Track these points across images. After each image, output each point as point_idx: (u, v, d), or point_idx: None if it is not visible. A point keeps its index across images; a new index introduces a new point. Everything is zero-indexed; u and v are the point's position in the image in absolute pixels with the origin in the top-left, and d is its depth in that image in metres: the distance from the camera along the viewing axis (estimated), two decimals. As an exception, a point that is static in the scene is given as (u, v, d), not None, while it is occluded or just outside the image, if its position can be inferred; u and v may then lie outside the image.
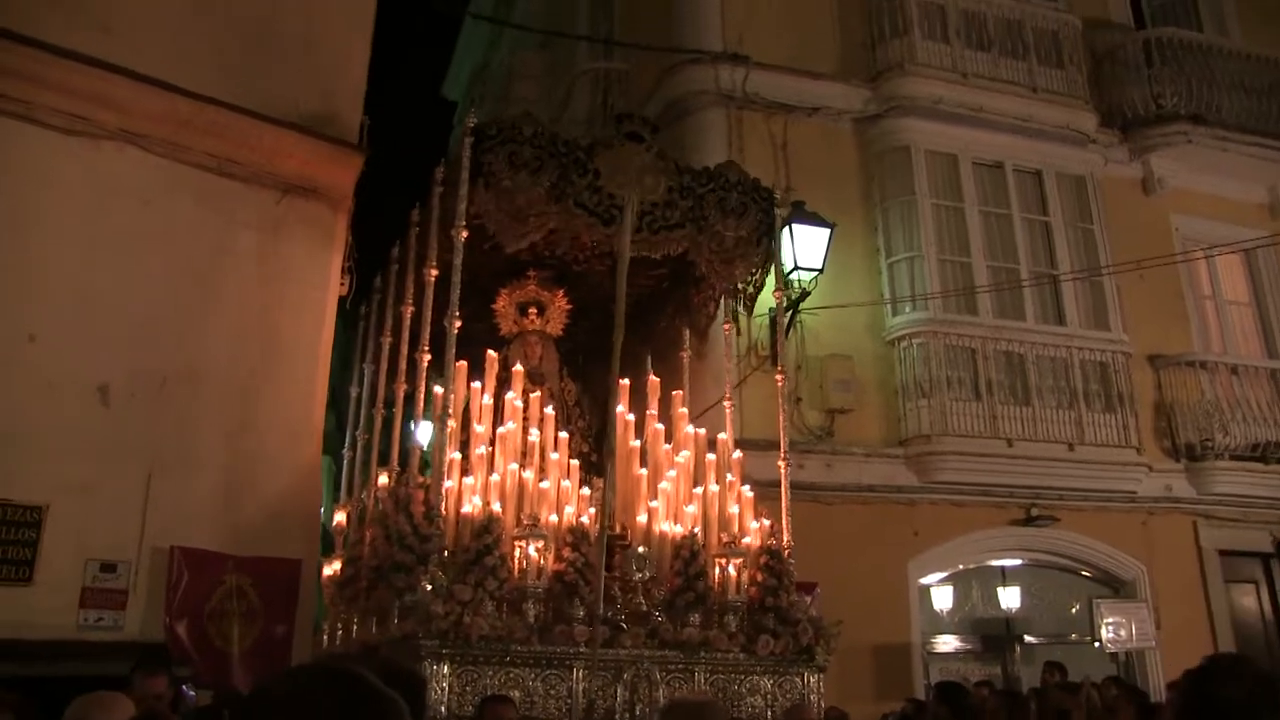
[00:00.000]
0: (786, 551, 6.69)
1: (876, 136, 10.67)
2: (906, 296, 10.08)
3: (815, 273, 9.42)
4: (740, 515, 6.82)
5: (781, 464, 7.09)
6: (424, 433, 8.26)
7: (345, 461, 8.15)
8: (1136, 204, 11.64)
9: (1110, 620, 9.63)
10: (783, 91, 10.38)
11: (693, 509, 6.73)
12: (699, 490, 6.88)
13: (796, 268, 9.26)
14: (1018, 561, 10.49)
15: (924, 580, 9.92)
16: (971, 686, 8.27)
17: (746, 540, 6.64)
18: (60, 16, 6.81)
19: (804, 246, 9.30)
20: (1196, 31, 12.65)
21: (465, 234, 6.23)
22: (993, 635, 10.40)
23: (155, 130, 7.11)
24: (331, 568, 7.50)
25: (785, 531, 6.81)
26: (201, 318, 7.14)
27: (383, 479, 6.97)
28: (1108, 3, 12.58)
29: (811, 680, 6.43)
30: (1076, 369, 10.33)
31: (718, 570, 6.38)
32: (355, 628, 6.65)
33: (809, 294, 9.49)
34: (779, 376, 7.56)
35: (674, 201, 6.83)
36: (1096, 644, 9.79)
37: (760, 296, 7.96)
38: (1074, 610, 10.67)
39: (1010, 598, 10.44)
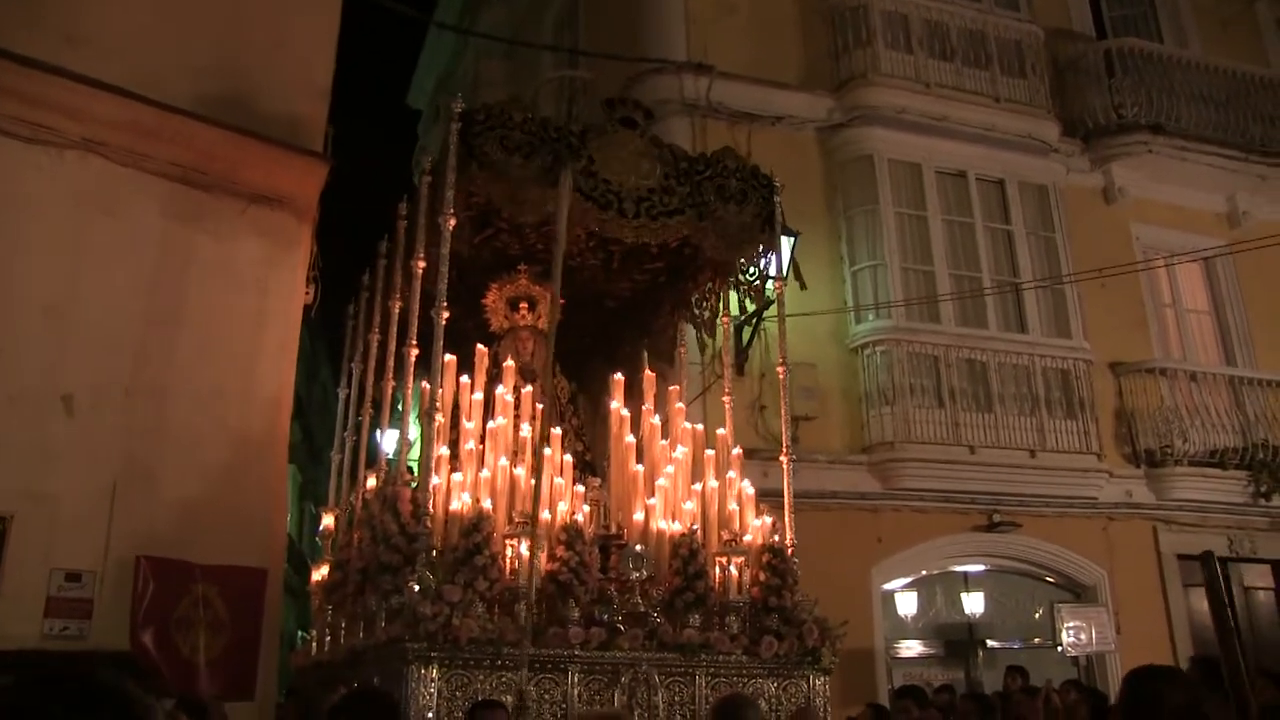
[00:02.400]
0: (790, 550, 6.48)
1: (840, 145, 10.76)
2: (870, 305, 10.16)
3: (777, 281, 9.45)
4: (741, 512, 6.58)
5: (784, 459, 6.91)
6: (390, 441, 8.25)
7: (333, 464, 8.05)
8: (1098, 213, 11.78)
9: (1071, 624, 9.72)
10: (747, 100, 10.45)
11: (691, 506, 6.50)
12: (697, 487, 6.66)
13: (761, 276, 9.30)
14: (980, 567, 10.58)
15: (887, 586, 10.00)
16: (932, 692, 8.33)
17: (747, 538, 6.41)
18: (22, 25, 6.77)
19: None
20: (1157, 42, 12.82)
21: (453, 223, 6.09)
22: (955, 640, 10.49)
23: (119, 139, 7.04)
24: (319, 573, 7.39)
25: (788, 529, 6.61)
26: (166, 328, 7.08)
27: (371, 481, 6.83)
28: (1070, 13, 12.72)
29: (817, 683, 6.20)
30: (1038, 376, 10.44)
31: (718, 569, 6.16)
32: (343, 634, 6.51)
33: (772, 302, 9.53)
34: (780, 369, 7.37)
35: (671, 188, 6.70)
36: (1058, 648, 9.89)
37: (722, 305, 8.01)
38: (1036, 615, 10.78)
39: (973, 603, 10.54)
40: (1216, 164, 11.97)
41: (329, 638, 6.92)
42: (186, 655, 6.69)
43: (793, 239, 9.54)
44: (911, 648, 10.34)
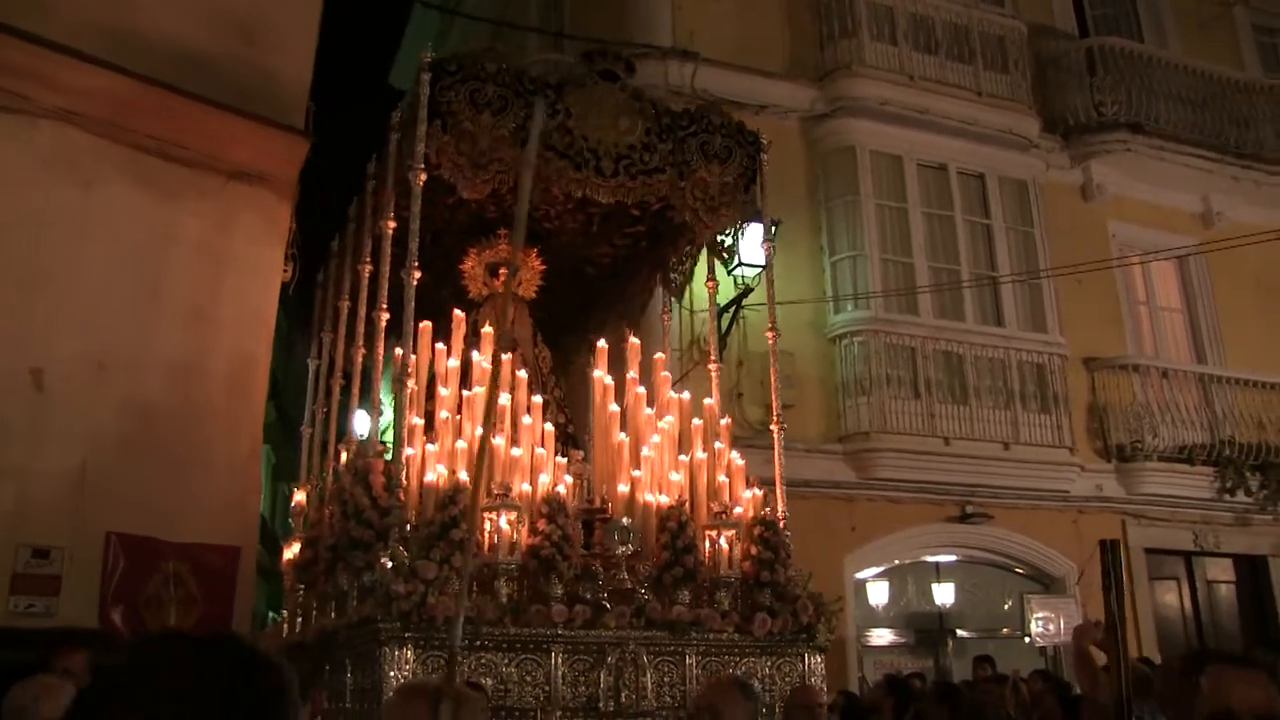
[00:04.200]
0: (782, 522, 6.15)
1: (823, 136, 10.80)
2: (849, 295, 10.22)
3: (758, 269, 9.50)
4: (731, 484, 6.20)
5: (775, 428, 6.66)
6: (361, 422, 8.16)
7: (304, 439, 7.80)
8: (1076, 209, 11.89)
9: (1040, 615, 9.86)
10: (731, 88, 10.45)
11: (678, 478, 6.12)
12: (685, 458, 6.29)
13: (740, 264, 9.34)
14: (952, 558, 10.69)
15: (860, 575, 10.08)
16: (902, 679, 8.41)
17: (738, 511, 6.04)
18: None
19: (749, 243, 9.36)
20: (1138, 42, 12.92)
21: (423, 178, 5.74)
22: (926, 629, 10.60)
23: (96, 111, 6.96)
24: (291, 551, 7.13)
25: (780, 501, 6.30)
26: (141, 303, 7.02)
27: (344, 455, 6.46)
28: (1053, 10, 12.81)
29: (812, 661, 5.86)
30: (1014, 370, 10.54)
31: (707, 544, 5.81)
32: (314, 613, 6.23)
33: (752, 290, 9.58)
34: (769, 334, 7.07)
35: (652, 145, 6.33)
36: (1027, 639, 10.02)
37: (701, 292, 7.98)
38: (1006, 606, 10.90)
39: (944, 593, 10.65)
40: (1193, 164, 12.11)
41: (300, 618, 6.66)
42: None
43: (773, 227, 9.61)
44: (883, 636, 10.45)
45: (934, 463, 9.97)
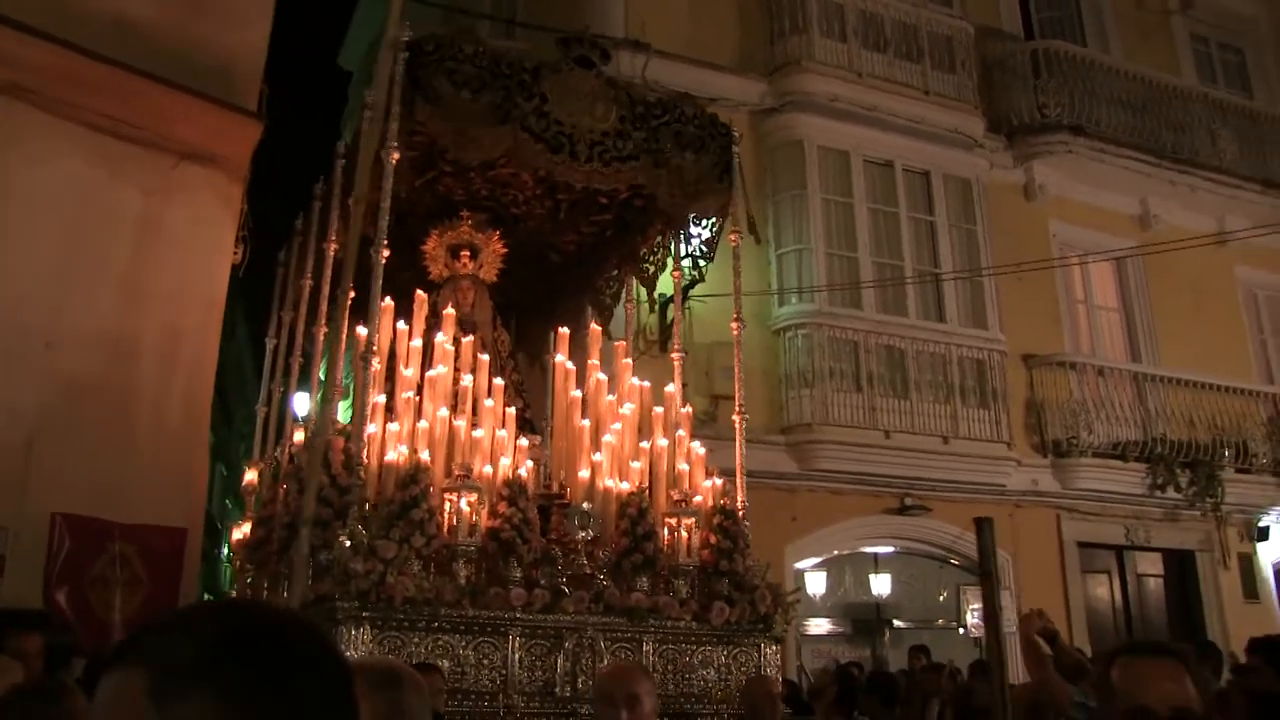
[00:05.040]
0: (741, 512, 6.16)
1: (771, 130, 10.88)
2: (794, 288, 10.32)
3: (707, 261, 9.55)
4: (691, 473, 6.21)
5: (736, 418, 6.68)
6: (301, 404, 8.09)
7: (259, 417, 7.73)
8: (1018, 208, 12.10)
9: (975, 606, 10.03)
10: (682, 81, 10.41)
11: (639, 464, 6.11)
12: (645, 445, 6.30)
13: (690, 255, 9.39)
14: (890, 549, 10.85)
15: (800, 565, 10.20)
16: (836, 668, 8.55)
17: (697, 499, 6.06)
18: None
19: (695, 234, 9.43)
20: (1081, 46, 13.16)
21: (396, 156, 5.70)
22: (863, 619, 10.76)
23: (46, 86, 6.85)
24: (240, 531, 7.09)
25: (740, 490, 6.31)
26: (89, 282, 6.93)
27: (299, 435, 6.51)
28: (1000, 12, 13.01)
29: (769, 651, 5.88)
30: (954, 365, 10.71)
31: (667, 531, 5.81)
32: (265, 593, 6.17)
33: (699, 281, 9.62)
34: (734, 325, 7.07)
35: (627, 132, 6.35)
36: (961, 630, 10.19)
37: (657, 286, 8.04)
38: (941, 597, 11.09)
39: (881, 584, 10.82)
40: (1131, 167, 12.38)
41: (250, 597, 6.51)
42: (101, 614, 6.58)
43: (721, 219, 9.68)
44: (820, 625, 10.58)
45: (874, 455, 10.11)
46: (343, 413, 6.40)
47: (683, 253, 8.69)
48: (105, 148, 7.15)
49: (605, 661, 5.33)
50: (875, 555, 10.86)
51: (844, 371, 10.16)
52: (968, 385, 10.72)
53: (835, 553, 10.53)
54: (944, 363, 10.66)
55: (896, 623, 10.88)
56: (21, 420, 6.48)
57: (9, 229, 6.65)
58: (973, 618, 9.93)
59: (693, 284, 9.56)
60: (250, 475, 7.29)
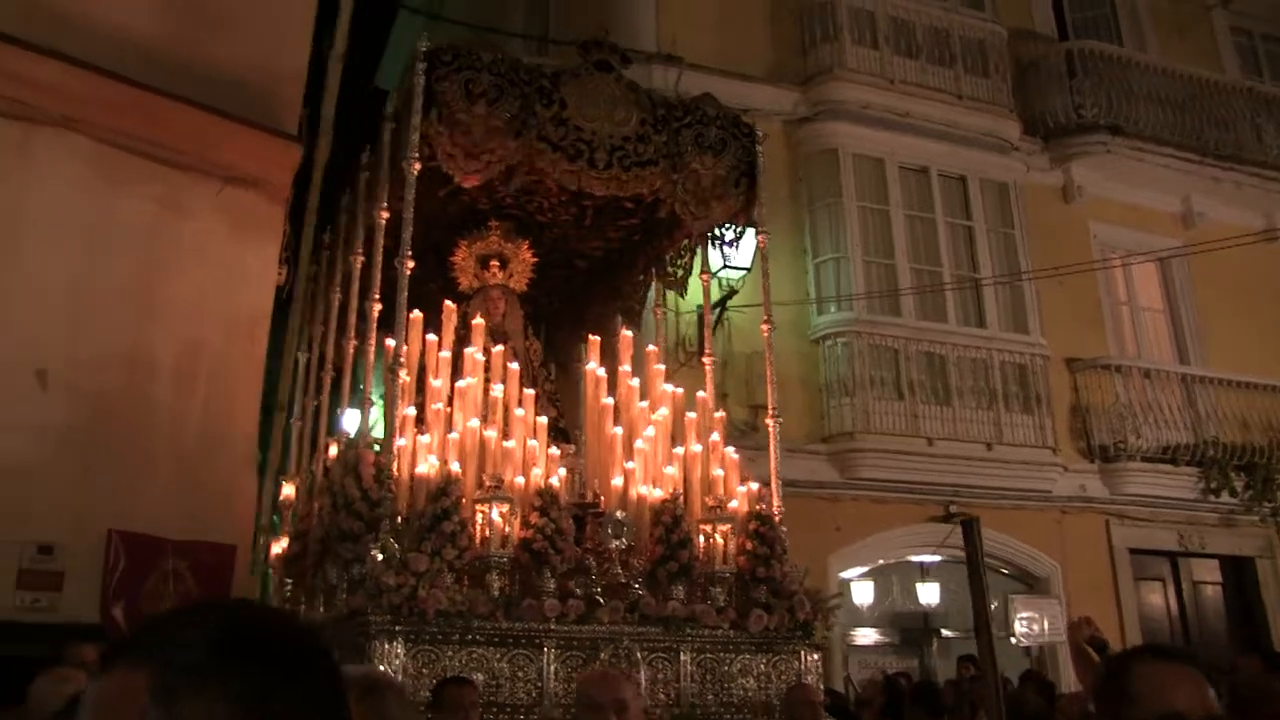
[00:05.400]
0: (778, 517, 6.07)
1: (805, 139, 10.85)
2: (832, 297, 10.26)
3: (743, 272, 9.54)
4: (725, 478, 6.14)
5: (770, 422, 6.61)
6: (351, 421, 8.17)
7: (294, 431, 7.80)
8: (1056, 210, 11.96)
9: (1023, 615, 9.87)
10: (714, 92, 10.37)
11: (673, 471, 6.04)
12: (679, 451, 6.23)
13: (725, 266, 9.37)
14: (937, 558, 10.70)
15: (845, 574, 10.10)
16: (885, 679, 8.46)
17: (733, 505, 5.98)
18: (5, 4, 6.76)
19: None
20: (1117, 45, 13.01)
21: (418, 167, 5.71)
22: (911, 629, 10.62)
23: (96, 116, 7.05)
24: (279, 545, 7.16)
25: (775, 495, 6.21)
26: (140, 306, 7.11)
27: (333, 449, 6.52)
28: (1033, 14, 12.90)
29: (809, 659, 5.80)
30: (996, 370, 10.58)
31: (702, 538, 5.75)
32: (303, 608, 6.21)
33: (736, 292, 9.61)
34: (764, 327, 6.98)
35: (647, 136, 6.31)
36: (1010, 638, 10.03)
37: (687, 293, 8.02)
38: (993, 606, 10.91)
39: (929, 593, 10.68)
40: (1172, 165, 12.18)
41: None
42: None
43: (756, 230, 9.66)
44: (868, 636, 10.47)
45: (917, 463, 10.00)
46: (377, 426, 6.46)
47: (715, 260, 8.73)
48: (153, 175, 7.33)
49: (642, 672, 5.27)
50: (922, 564, 10.72)
51: (884, 379, 10.08)
52: (1010, 390, 10.59)
53: (880, 562, 10.42)
54: (985, 368, 10.54)
55: (945, 632, 10.74)
56: (79, 440, 6.67)
57: (62, 255, 6.87)
58: (1020, 626, 9.77)
59: (730, 295, 9.59)
60: (287, 490, 7.38)
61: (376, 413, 6.76)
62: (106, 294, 6.99)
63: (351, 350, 6.65)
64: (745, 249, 9.57)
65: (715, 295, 9.34)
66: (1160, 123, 12.24)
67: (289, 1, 8.43)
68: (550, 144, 6.06)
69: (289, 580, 6.63)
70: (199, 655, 1.01)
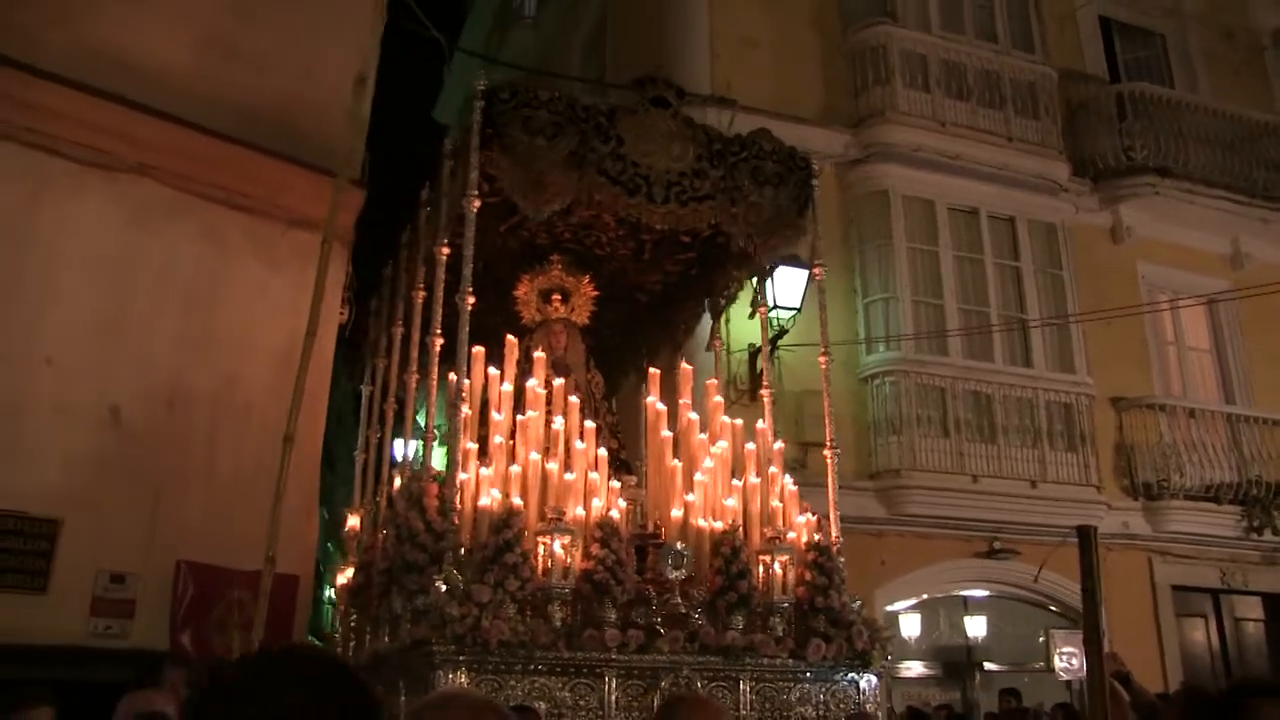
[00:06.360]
0: (836, 548, 6.10)
1: (856, 181, 11.13)
2: (881, 336, 10.52)
3: (794, 311, 9.84)
4: (784, 509, 6.19)
5: (828, 453, 6.64)
6: (405, 453, 8.47)
7: (357, 463, 8.05)
8: (1104, 251, 12.14)
9: (1064, 650, 10.07)
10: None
11: (732, 503, 6.06)
12: (738, 483, 6.22)
13: (776, 306, 9.68)
14: (982, 593, 10.93)
15: (890, 607, 10.34)
16: (931, 710, 8.71)
17: (791, 536, 6.00)
18: (80, 55, 7.21)
19: (784, 286, 9.71)
20: (1168, 87, 13.18)
21: (478, 204, 5.80)
22: (954, 662, 10.84)
23: (169, 163, 7.50)
24: (345, 575, 7.36)
25: (834, 526, 6.26)
26: (208, 344, 7.52)
27: (397, 480, 6.66)
28: (1084, 56, 13.08)
29: (867, 688, 5.83)
30: (1041, 409, 10.79)
31: (761, 569, 5.78)
32: (368, 637, 6.34)
33: (786, 331, 9.91)
34: (822, 359, 7.06)
35: (704, 171, 6.33)
36: (1052, 672, 10.23)
37: (737, 332, 8.26)
38: (1038, 640, 11.11)
39: (975, 626, 10.89)
40: (1222, 207, 12.33)
41: (353, 642, 6.80)
42: (220, 654, 7.07)
43: (807, 271, 9.96)
44: (912, 668, 10.70)
45: (962, 499, 10.23)
46: (439, 459, 6.69)
47: (769, 299, 8.90)
48: (220, 218, 7.78)
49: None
50: (966, 598, 10.95)
51: (931, 418, 10.33)
52: (1055, 429, 10.79)
53: (925, 596, 10.66)
54: (1031, 407, 10.75)
55: (988, 665, 10.94)
56: (148, 473, 7.05)
57: (134, 296, 7.29)
58: (1060, 661, 9.96)
59: (781, 334, 9.88)
60: (352, 521, 7.60)
61: (436, 445, 6.99)
62: (175, 332, 7.40)
63: (414, 384, 6.76)
64: (796, 289, 9.89)
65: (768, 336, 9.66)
66: (1210, 164, 12.38)
67: (354, 48, 8.81)
68: (609, 178, 6.11)
69: (353, 610, 6.83)
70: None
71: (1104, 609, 8.88)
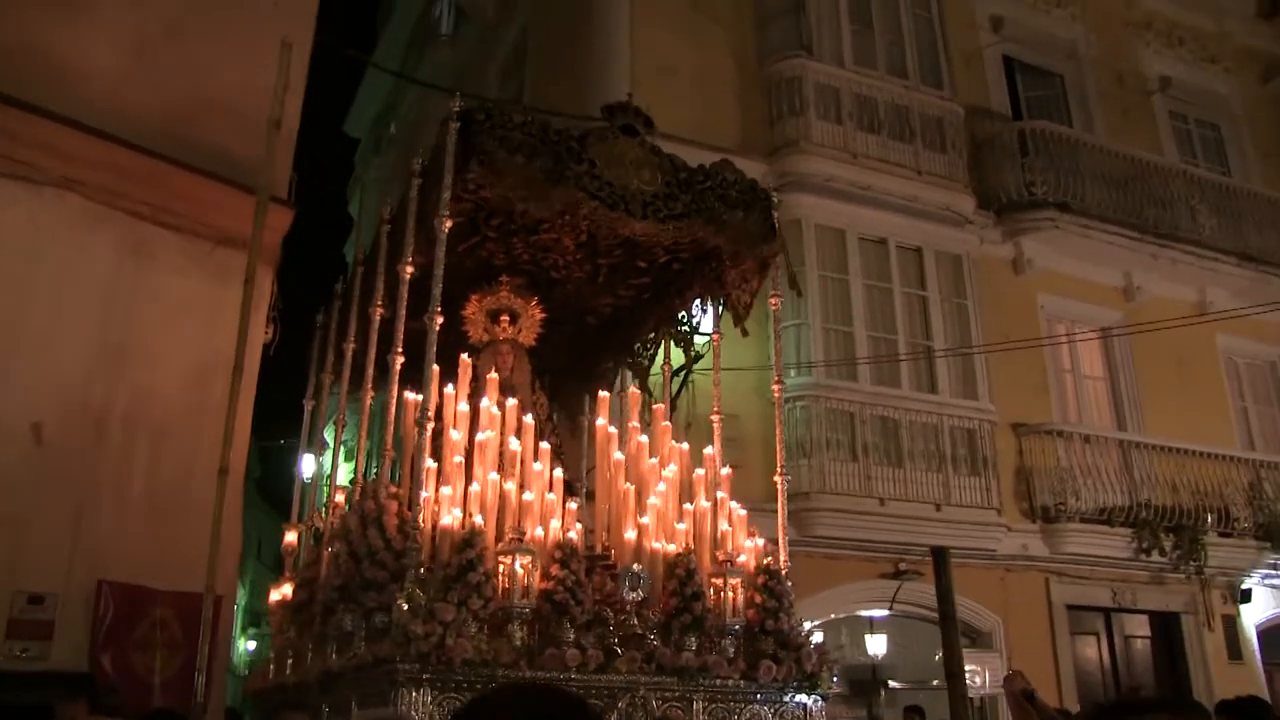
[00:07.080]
0: (784, 571, 6.27)
1: (771, 209, 11.36)
2: (791, 363, 10.75)
3: (707, 336, 9.98)
4: (733, 533, 6.35)
5: (778, 479, 6.83)
6: (307, 467, 8.42)
7: (297, 479, 7.98)
8: (1007, 281, 12.62)
9: (968, 668, 10.36)
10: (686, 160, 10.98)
11: (684, 526, 6.18)
12: (689, 507, 6.36)
13: (696, 330, 9.81)
14: (885, 612, 11.21)
15: (798, 628, 10.54)
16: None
17: (741, 559, 6.14)
18: (10, 67, 7.09)
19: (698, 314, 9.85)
20: (1066, 125, 13.75)
21: (449, 224, 5.82)
22: (859, 680, 11.10)
23: (96, 178, 7.40)
24: (280, 592, 7.26)
25: (782, 550, 6.44)
26: (132, 362, 7.41)
27: (339, 497, 6.72)
28: (989, 94, 13.60)
29: (815, 708, 5.94)
30: (946, 435, 11.14)
31: (712, 591, 5.89)
32: (310, 655, 6.24)
33: (702, 356, 10.05)
34: (775, 387, 7.38)
35: (674, 194, 6.47)
36: (954, 690, 10.52)
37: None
38: (936, 658, 11.41)
39: (877, 645, 11.17)
40: (1116, 241, 12.89)
41: (291, 659, 6.66)
42: (143, 676, 6.96)
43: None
44: (818, 687, 10.92)
45: (870, 522, 10.51)
46: (344, 474, 6.60)
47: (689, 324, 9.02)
48: (146, 235, 7.68)
49: None
50: (870, 618, 11.22)
51: (840, 442, 10.59)
52: (959, 454, 11.15)
53: (832, 616, 10.89)
54: (936, 432, 11.09)
55: (892, 683, 11.22)
56: (70, 492, 6.92)
57: (58, 312, 7.17)
58: (965, 679, 10.26)
59: (697, 359, 10.02)
60: (289, 537, 7.52)
61: (341, 460, 6.86)
62: (98, 349, 7.30)
63: (368, 401, 6.70)
64: (708, 316, 10.04)
65: (682, 362, 9.81)
66: (1105, 201, 12.95)
67: (281, 66, 8.77)
68: (588, 193, 6.23)
69: (292, 627, 6.71)
70: None
71: (1004, 628, 9.23)
